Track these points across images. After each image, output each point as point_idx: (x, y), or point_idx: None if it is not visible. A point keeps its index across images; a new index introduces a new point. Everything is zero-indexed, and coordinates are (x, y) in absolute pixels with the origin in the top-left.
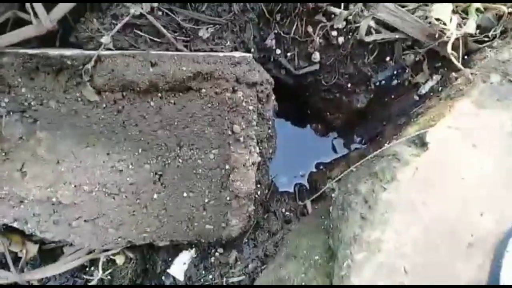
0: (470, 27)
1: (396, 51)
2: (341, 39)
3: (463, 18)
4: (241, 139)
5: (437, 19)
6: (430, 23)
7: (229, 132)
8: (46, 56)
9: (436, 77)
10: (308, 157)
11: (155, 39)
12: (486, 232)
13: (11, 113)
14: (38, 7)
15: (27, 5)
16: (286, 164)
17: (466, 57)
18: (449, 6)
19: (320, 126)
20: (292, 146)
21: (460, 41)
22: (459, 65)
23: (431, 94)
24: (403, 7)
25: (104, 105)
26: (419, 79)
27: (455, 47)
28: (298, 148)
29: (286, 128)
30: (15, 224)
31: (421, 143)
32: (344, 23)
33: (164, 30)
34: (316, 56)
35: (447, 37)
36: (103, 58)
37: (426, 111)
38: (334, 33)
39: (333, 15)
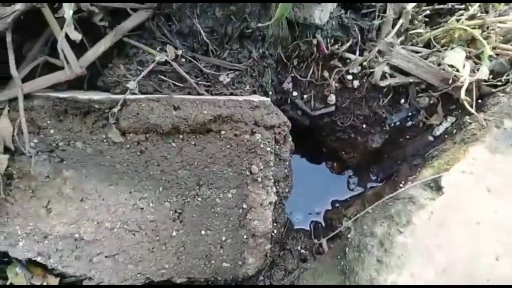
0: (483, 73)
1: (411, 94)
2: (356, 83)
3: (476, 64)
4: (259, 179)
5: (450, 66)
6: (443, 69)
7: (247, 173)
8: (75, 100)
9: (451, 119)
10: (324, 195)
11: (178, 84)
12: (503, 277)
13: (40, 153)
14: (69, 54)
15: (60, 51)
16: (302, 200)
17: (479, 100)
18: (462, 53)
19: (336, 164)
20: (307, 183)
21: (474, 86)
22: (473, 110)
23: (446, 136)
24: (416, 52)
25: (128, 146)
26: (433, 121)
27: (468, 91)
28: (314, 185)
29: (302, 165)
30: (38, 259)
31: (436, 187)
32: (359, 67)
33: (187, 76)
34: (332, 98)
35: (460, 82)
36: (129, 102)
37: (441, 154)
38: (350, 77)
39: (348, 60)
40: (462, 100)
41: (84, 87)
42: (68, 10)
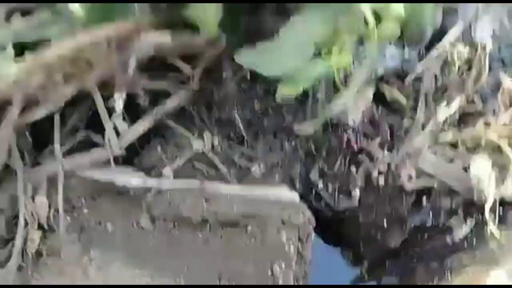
0: (509, 189)
1: (433, 195)
2: (381, 180)
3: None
4: (279, 281)
5: (476, 176)
6: (469, 178)
7: (269, 272)
8: (112, 183)
9: (470, 222)
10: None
11: (211, 171)
12: None
13: (71, 232)
14: (111, 134)
15: (106, 140)
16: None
17: (501, 209)
18: (489, 161)
19: (352, 255)
20: (320, 268)
21: (497, 199)
22: (495, 231)
23: (465, 243)
24: (442, 154)
25: (156, 233)
26: (453, 222)
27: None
28: (326, 272)
29: (316, 245)
30: None
31: None
32: (386, 166)
33: (222, 166)
34: (356, 193)
35: (484, 196)
36: (162, 190)
37: (460, 270)
38: (375, 174)
39: (376, 158)
40: (486, 219)
41: (120, 161)
42: (119, 101)
